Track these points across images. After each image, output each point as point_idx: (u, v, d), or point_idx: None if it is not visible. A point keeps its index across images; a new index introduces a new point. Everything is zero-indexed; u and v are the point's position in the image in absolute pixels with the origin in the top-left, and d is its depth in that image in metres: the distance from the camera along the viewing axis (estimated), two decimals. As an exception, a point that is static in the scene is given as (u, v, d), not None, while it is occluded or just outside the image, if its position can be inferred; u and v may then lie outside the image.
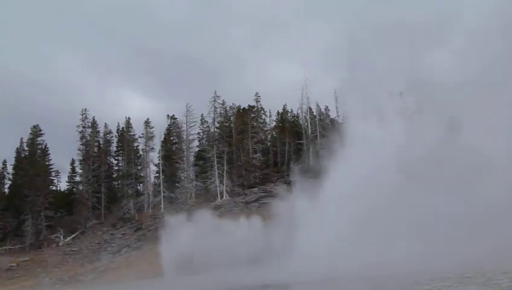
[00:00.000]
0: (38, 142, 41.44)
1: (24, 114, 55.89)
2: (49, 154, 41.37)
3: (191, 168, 39.43)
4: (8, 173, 42.82)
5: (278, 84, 65.28)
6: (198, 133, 43.08)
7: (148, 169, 41.25)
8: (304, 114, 42.25)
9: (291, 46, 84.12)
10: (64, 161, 45.27)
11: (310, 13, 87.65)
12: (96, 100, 74.56)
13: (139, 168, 41.69)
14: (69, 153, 43.44)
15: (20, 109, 59.57)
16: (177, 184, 38.74)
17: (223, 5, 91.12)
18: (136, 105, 72.52)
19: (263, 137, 44.26)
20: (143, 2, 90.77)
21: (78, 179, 43.01)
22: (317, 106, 42.11)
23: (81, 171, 41.48)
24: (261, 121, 44.20)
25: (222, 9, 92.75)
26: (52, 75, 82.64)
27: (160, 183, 38.59)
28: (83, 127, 41.46)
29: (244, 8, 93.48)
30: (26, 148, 42.02)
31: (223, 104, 42.20)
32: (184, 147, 41.34)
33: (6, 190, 42.10)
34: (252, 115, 42.03)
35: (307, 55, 62.92)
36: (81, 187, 41.19)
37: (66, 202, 40.56)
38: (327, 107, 43.25)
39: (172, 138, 43.72)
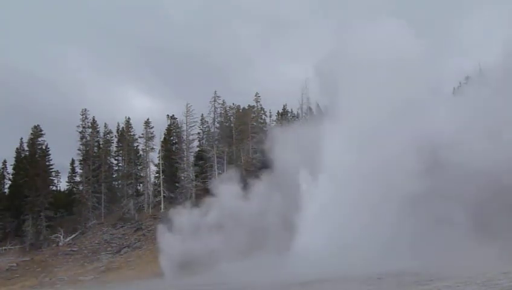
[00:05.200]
0: (38, 142, 41.41)
1: (25, 114, 55.82)
2: (49, 154, 41.32)
3: (191, 168, 39.39)
4: (8, 173, 42.82)
5: (283, 84, 65.25)
6: (198, 133, 43.04)
7: (148, 169, 41.23)
8: (304, 114, 42.20)
9: (295, 45, 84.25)
10: (64, 160, 45.12)
11: (316, 13, 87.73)
12: (97, 100, 74.54)
13: (139, 168, 41.65)
14: (69, 153, 43.46)
15: (21, 109, 59.55)
16: (177, 184, 38.72)
17: (230, 4, 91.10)
18: (137, 105, 72.57)
19: (263, 137, 44.20)
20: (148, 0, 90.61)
21: (78, 179, 42.97)
22: (317, 106, 42.04)
23: (81, 171, 41.48)
24: (261, 121, 44.16)
25: (227, 7, 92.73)
26: (54, 74, 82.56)
27: (160, 183, 38.58)
28: (83, 127, 41.44)
29: (251, 7, 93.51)
30: (26, 148, 41.99)
31: (223, 104, 42.25)
32: (184, 147, 41.30)
33: (6, 190, 42.07)
34: (252, 115, 42.00)
35: (311, 55, 62.85)
36: (81, 187, 41.13)
37: (66, 202, 40.51)
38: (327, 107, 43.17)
39: (172, 138, 43.66)
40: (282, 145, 22.34)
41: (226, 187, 24.51)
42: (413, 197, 15.39)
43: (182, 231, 23.24)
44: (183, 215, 24.22)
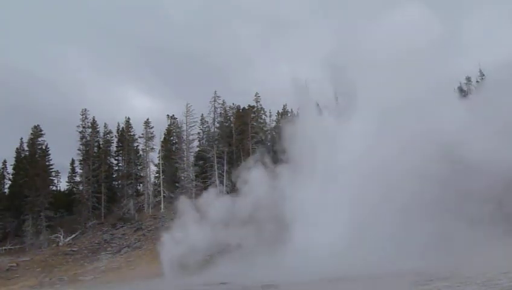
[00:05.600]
0: (38, 142, 41.43)
1: (25, 114, 55.91)
2: (49, 154, 41.37)
3: (191, 168, 39.43)
4: (8, 173, 42.84)
5: (283, 84, 65.18)
6: (198, 133, 43.12)
7: (148, 169, 41.29)
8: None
9: (295, 45, 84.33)
10: (64, 160, 45.25)
11: (316, 13, 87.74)
12: (97, 100, 74.70)
13: (139, 168, 41.69)
14: (69, 153, 43.53)
15: (21, 109, 59.62)
16: (177, 184, 38.73)
17: (230, 4, 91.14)
18: (137, 105, 72.65)
19: (263, 137, 44.22)
20: (148, 1, 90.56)
21: (78, 179, 43.02)
22: (317, 106, 42.00)
23: (81, 171, 41.51)
24: (261, 121, 44.17)
25: (227, 7, 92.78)
26: (54, 74, 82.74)
27: (160, 183, 38.59)
28: (83, 127, 41.52)
29: (251, 7, 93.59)
30: (26, 148, 42.01)
31: (223, 104, 42.28)
32: (184, 147, 41.34)
33: (6, 190, 42.09)
34: (252, 115, 42.02)
35: (311, 55, 63.05)
36: (81, 187, 41.17)
37: (66, 202, 40.53)
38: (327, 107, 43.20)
39: (172, 138, 43.70)
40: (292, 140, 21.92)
41: (254, 175, 23.35)
42: (413, 196, 15.34)
43: (209, 220, 22.28)
44: (211, 204, 23.34)
